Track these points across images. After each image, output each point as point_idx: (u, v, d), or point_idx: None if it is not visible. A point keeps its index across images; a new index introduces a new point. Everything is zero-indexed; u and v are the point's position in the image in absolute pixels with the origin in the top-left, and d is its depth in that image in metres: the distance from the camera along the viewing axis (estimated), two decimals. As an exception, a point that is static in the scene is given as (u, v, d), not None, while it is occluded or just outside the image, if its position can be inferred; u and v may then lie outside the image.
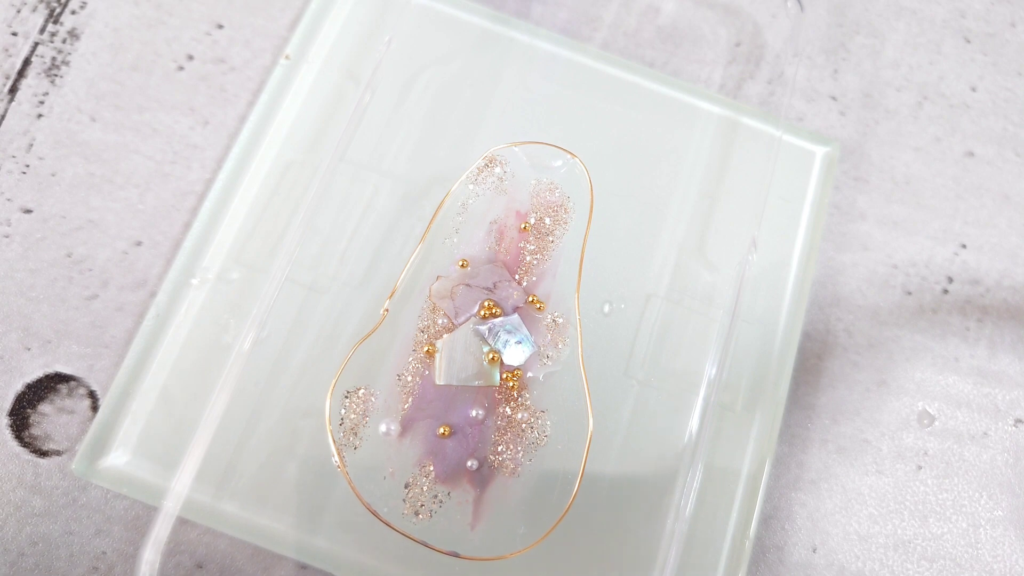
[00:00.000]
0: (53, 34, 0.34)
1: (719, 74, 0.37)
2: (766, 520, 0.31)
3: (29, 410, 0.29)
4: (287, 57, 0.34)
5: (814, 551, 0.31)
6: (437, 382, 0.30)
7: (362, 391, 0.29)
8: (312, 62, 0.34)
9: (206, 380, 0.29)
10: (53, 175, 0.32)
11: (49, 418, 0.29)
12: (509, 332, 0.30)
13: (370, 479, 0.28)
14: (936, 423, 0.33)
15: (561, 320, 0.31)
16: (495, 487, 0.29)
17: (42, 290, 0.31)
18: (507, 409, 0.30)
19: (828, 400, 0.33)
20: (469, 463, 0.29)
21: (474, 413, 0.29)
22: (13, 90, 0.33)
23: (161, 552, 0.25)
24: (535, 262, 0.32)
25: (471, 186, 0.33)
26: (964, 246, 0.35)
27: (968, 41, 0.39)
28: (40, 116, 0.33)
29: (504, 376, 0.30)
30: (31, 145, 0.32)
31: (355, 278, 0.31)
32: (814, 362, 0.33)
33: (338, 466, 0.28)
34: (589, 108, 0.35)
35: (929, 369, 0.34)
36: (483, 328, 0.30)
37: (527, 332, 0.30)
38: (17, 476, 0.29)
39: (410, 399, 0.29)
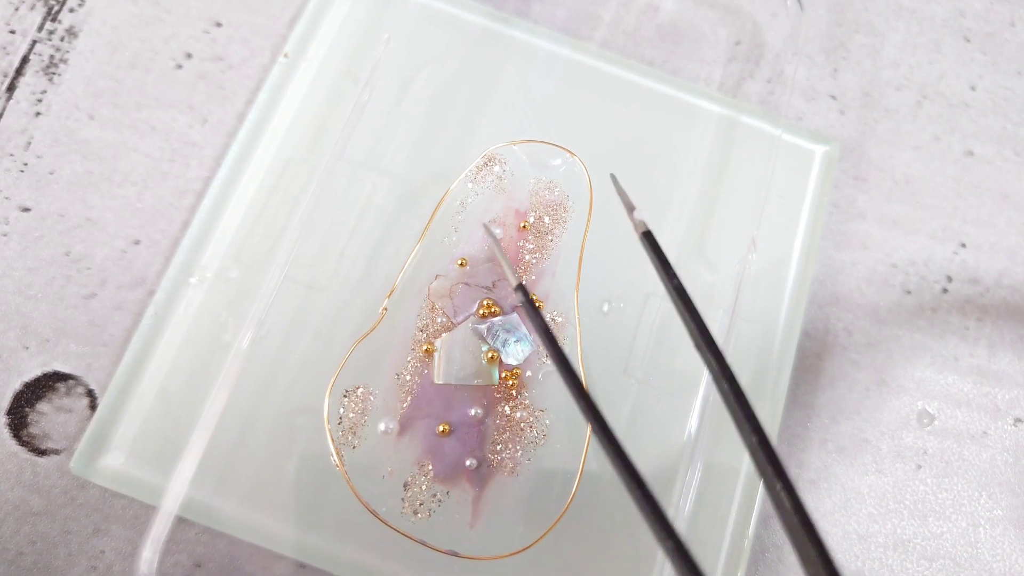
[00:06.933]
0: (51, 32, 0.34)
1: (719, 73, 0.37)
2: (765, 520, 0.31)
3: (27, 409, 0.29)
4: (286, 55, 0.34)
5: (813, 550, 0.31)
6: (436, 381, 0.29)
7: (361, 390, 0.29)
8: (311, 60, 0.34)
9: (204, 379, 0.29)
10: (51, 173, 0.32)
11: (47, 417, 0.29)
12: (508, 331, 0.30)
13: (369, 478, 0.28)
14: (936, 422, 0.33)
15: (560, 319, 0.31)
16: (494, 486, 0.29)
17: (40, 289, 0.30)
18: (506, 408, 0.30)
19: (827, 399, 0.33)
20: (468, 462, 0.29)
21: (473, 412, 0.29)
22: (11, 88, 0.33)
23: (159, 551, 0.25)
24: (534, 261, 0.32)
25: (470, 185, 0.33)
26: (963, 245, 0.35)
27: (968, 40, 0.39)
28: (38, 114, 0.33)
29: (503, 375, 0.30)
30: (29, 143, 0.32)
31: (354, 277, 0.31)
32: (813, 361, 0.33)
33: (337, 465, 0.28)
34: (589, 107, 0.35)
35: (929, 368, 0.33)
36: (482, 327, 0.30)
37: (526, 331, 0.30)
38: (15, 475, 0.28)
39: (409, 398, 0.29)
